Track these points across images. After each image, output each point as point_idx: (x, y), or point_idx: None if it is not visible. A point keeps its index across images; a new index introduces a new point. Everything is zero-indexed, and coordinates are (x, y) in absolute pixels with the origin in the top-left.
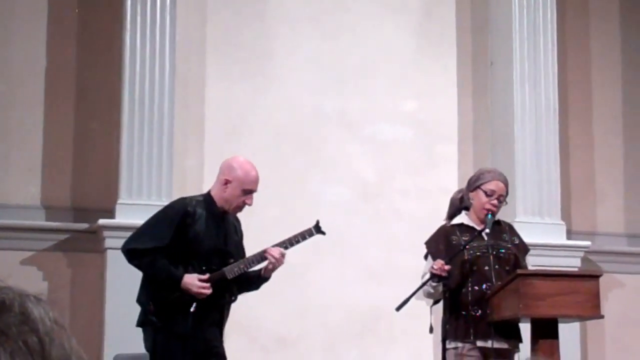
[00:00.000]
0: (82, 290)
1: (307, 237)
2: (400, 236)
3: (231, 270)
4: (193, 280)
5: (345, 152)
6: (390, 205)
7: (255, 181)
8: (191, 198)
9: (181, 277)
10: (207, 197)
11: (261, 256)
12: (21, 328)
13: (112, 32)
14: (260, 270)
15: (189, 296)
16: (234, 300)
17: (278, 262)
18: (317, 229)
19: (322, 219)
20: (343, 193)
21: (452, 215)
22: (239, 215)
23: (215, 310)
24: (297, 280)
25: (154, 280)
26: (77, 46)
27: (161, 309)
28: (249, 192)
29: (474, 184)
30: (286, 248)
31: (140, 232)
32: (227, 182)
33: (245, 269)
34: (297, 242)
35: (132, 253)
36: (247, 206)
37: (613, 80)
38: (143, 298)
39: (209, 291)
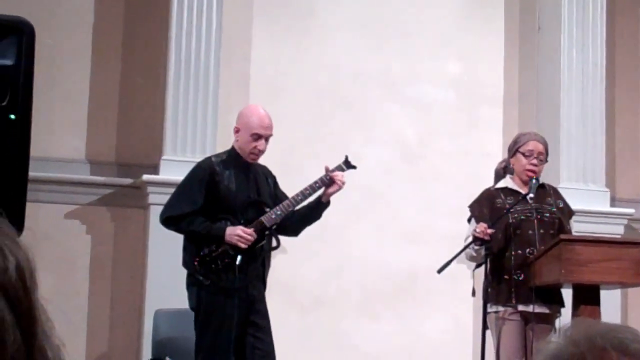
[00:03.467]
0: (124, 245)
1: (339, 171)
2: (439, 198)
3: (269, 218)
4: (235, 229)
5: (387, 112)
6: (431, 167)
7: (263, 125)
8: (217, 155)
9: (224, 230)
10: (232, 151)
11: (306, 193)
12: None
13: None
14: (317, 199)
15: (233, 251)
16: (277, 247)
17: (341, 184)
18: (347, 163)
19: (361, 179)
20: (383, 154)
21: None
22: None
23: (258, 262)
24: (335, 240)
25: (198, 240)
26: (124, 2)
27: (207, 266)
28: (257, 136)
29: (512, 149)
30: (319, 187)
31: (174, 199)
32: (238, 131)
33: (284, 213)
34: (328, 178)
35: (169, 221)
36: (261, 152)
37: None
38: (188, 260)
39: (253, 238)
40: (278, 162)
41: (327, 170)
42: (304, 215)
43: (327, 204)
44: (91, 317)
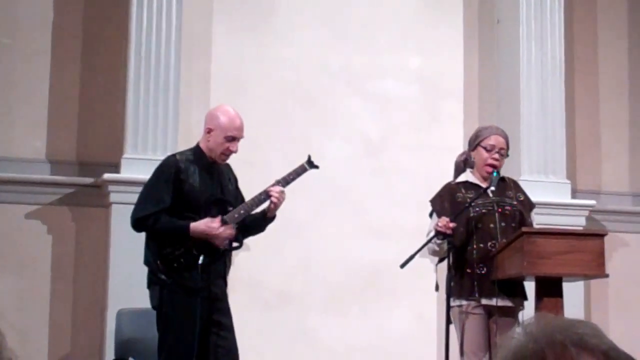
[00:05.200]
0: (86, 244)
1: (301, 172)
2: (402, 193)
3: (232, 217)
4: (202, 223)
5: (349, 108)
6: (393, 162)
7: (237, 127)
8: (181, 153)
9: (187, 227)
10: (197, 149)
11: (262, 197)
12: None
13: None
14: (263, 211)
15: (196, 250)
16: (239, 247)
17: (280, 199)
18: (310, 163)
19: (324, 174)
20: (346, 149)
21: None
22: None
23: (220, 261)
24: (299, 236)
25: (162, 238)
26: (84, 0)
27: (169, 265)
28: (231, 138)
29: (473, 143)
30: (282, 187)
31: (141, 201)
32: (210, 131)
33: (246, 213)
34: (292, 179)
35: (138, 222)
36: (232, 153)
37: (619, 39)
38: (150, 258)
39: (220, 229)
40: (242, 159)
41: (274, 183)
42: (249, 225)
43: (273, 218)
44: (53, 317)
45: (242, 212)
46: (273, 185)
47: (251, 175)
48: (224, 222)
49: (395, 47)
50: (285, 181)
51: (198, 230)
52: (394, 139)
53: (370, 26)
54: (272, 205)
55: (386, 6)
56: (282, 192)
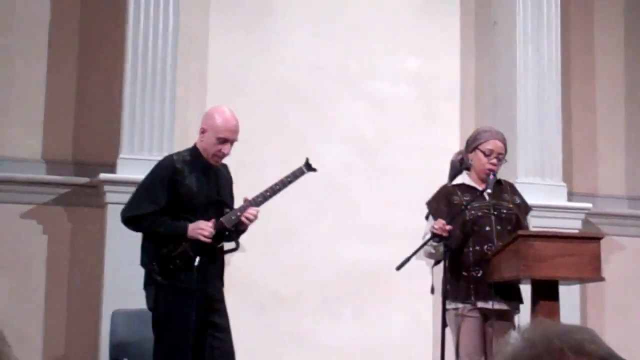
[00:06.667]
0: (81, 244)
1: (299, 175)
2: (399, 195)
3: (229, 219)
4: (197, 224)
5: (346, 109)
6: (389, 164)
7: (230, 129)
8: (178, 154)
9: (185, 227)
10: (193, 149)
11: (238, 213)
12: None
13: None
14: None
15: (192, 251)
16: (236, 249)
17: (252, 222)
18: (308, 166)
19: (320, 176)
20: (342, 150)
21: (453, 177)
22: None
23: (216, 262)
24: (295, 238)
25: (157, 239)
26: (80, 0)
27: (165, 267)
28: (223, 140)
29: (472, 145)
30: (279, 190)
31: (136, 198)
32: (204, 131)
33: (239, 218)
34: (290, 182)
35: (131, 220)
36: (224, 155)
37: (616, 42)
38: (146, 259)
39: (212, 229)
40: (237, 160)
41: (245, 201)
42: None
43: (243, 231)
44: (48, 318)
45: (238, 214)
46: (268, 187)
47: (245, 175)
48: (220, 224)
49: (391, 49)
50: (282, 184)
51: (194, 229)
52: (390, 141)
53: (367, 27)
54: (243, 227)
55: (383, 8)
56: (256, 213)
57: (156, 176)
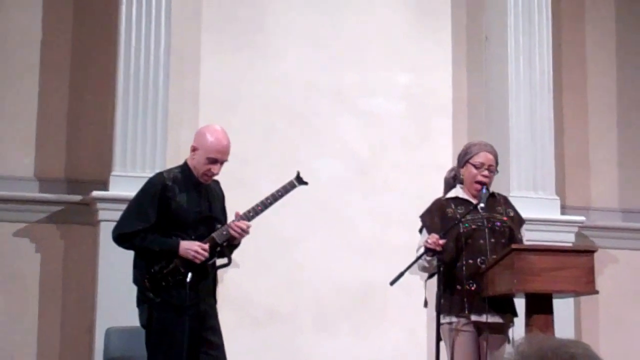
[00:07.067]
0: (74, 262)
1: (290, 189)
2: (393, 210)
3: (220, 235)
4: (192, 245)
5: (339, 125)
6: (383, 180)
7: (220, 150)
8: (169, 171)
9: (177, 245)
10: (184, 166)
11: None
12: None
13: (108, 5)
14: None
15: (184, 268)
16: (228, 264)
17: (242, 235)
18: (299, 180)
19: (314, 193)
20: (336, 167)
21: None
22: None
23: (209, 279)
24: (289, 254)
25: (149, 257)
26: (72, 18)
27: (157, 284)
28: (213, 160)
29: (462, 160)
30: (270, 204)
31: (126, 216)
32: (195, 149)
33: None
34: (281, 195)
35: (122, 238)
36: (214, 175)
37: (607, 56)
38: (138, 276)
39: (206, 254)
40: (230, 176)
41: (236, 216)
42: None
43: (236, 246)
44: (41, 336)
45: (229, 229)
46: (260, 202)
47: (239, 192)
48: (212, 240)
49: (384, 65)
50: (274, 198)
51: (187, 248)
52: (383, 156)
53: (359, 44)
54: (235, 242)
55: (375, 24)
56: (248, 227)
57: (146, 194)
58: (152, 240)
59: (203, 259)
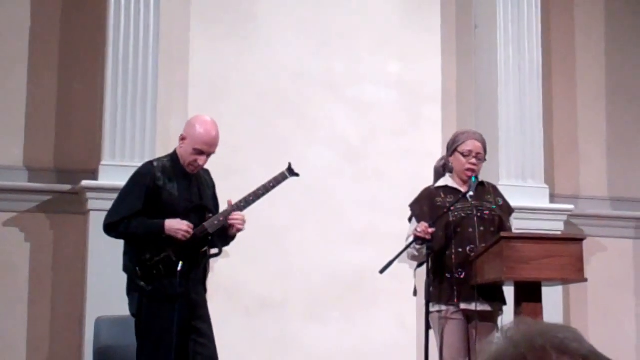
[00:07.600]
0: (64, 251)
1: (281, 180)
2: (383, 198)
3: (212, 224)
4: (180, 224)
5: (329, 113)
6: (373, 167)
7: (207, 142)
8: (158, 160)
9: (162, 225)
10: (174, 155)
11: (221, 218)
12: None
13: None
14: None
15: (175, 256)
16: (219, 254)
17: (239, 225)
18: (290, 171)
19: (304, 180)
20: (326, 154)
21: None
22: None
23: (199, 267)
24: (280, 243)
25: (136, 241)
26: (61, 6)
27: (148, 272)
28: (199, 152)
29: (451, 148)
30: (262, 194)
31: (114, 207)
32: (183, 139)
33: (224, 222)
34: (273, 187)
35: (109, 228)
36: (199, 167)
37: (596, 43)
38: (129, 265)
39: (192, 232)
40: (221, 165)
41: (229, 204)
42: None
43: (232, 237)
44: (31, 325)
45: (221, 219)
46: (251, 192)
47: (231, 180)
48: (203, 229)
49: (374, 53)
50: (265, 189)
51: (172, 226)
52: (373, 144)
53: (349, 32)
54: (234, 231)
55: (365, 12)
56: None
57: (134, 184)
58: (136, 225)
59: (185, 231)
